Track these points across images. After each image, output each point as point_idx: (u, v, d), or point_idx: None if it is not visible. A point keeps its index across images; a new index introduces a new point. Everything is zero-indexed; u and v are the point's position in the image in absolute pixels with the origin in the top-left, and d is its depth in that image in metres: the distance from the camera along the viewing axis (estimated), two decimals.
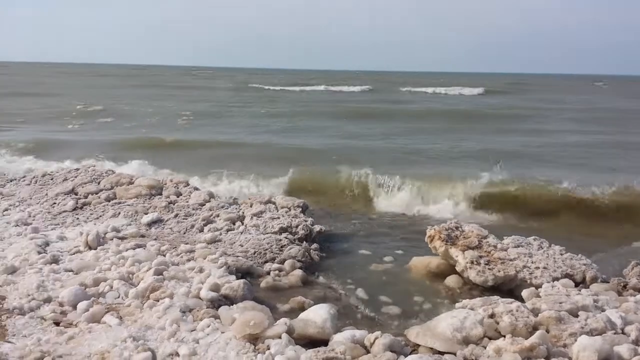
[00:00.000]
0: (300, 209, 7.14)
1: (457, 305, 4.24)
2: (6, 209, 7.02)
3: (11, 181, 8.28)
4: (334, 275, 5.66)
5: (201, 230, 6.51)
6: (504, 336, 3.62)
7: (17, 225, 6.31)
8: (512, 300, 4.14)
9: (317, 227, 6.66)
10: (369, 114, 22.64)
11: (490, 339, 3.70)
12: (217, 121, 19.44)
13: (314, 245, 6.30)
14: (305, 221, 6.68)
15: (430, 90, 42.21)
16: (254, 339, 3.61)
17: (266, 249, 5.90)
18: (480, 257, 5.39)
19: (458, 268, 5.45)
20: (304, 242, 6.26)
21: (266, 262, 5.67)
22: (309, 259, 5.89)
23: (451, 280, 5.48)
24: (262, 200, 7.33)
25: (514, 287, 5.21)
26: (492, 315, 3.91)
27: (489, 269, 5.27)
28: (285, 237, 6.21)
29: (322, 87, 44.25)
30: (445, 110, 24.49)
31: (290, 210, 7.09)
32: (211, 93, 34.49)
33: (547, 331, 3.69)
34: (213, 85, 44.13)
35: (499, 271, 5.23)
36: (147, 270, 4.73)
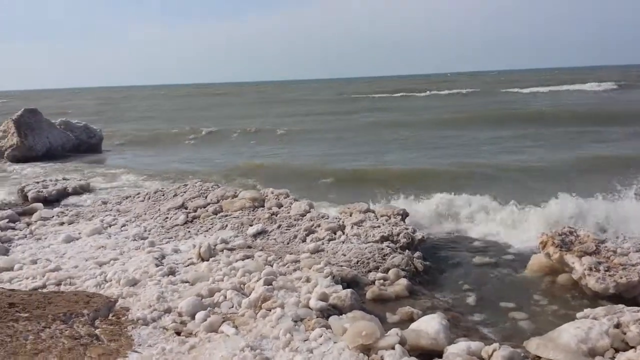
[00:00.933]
0: (400, 217, 7.07)
1: (578, 315, 4.01)
2: (124, 225, 7.53)
3: (127, 198, 8.89)
4: (440, 284, 5.56)
5: (304, 241, 6.64)
6: (634, 347, 3.37)
7: (135, 239, 6.76)
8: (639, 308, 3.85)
9: (418, 235, 6.57)
10: (493, 119, 21.39)
11: (617, 350, 3.46)
12: (361, 139, 18.22)
13: (417, 254, 6.21)
14: (406, 229, 6.61)
15: (545, 89, 39.68)
16: (367, 350, 3.62)
17: (369, 258, 5.90)
18: (599, 263, 5.06)
19: (575, 275, 5.14)
20: (407, 251, 6.20)
21: (370, 271, 5.67)
22: (413, 267, 5.82)
23: (569, 287, 5.19)
24: (361, 210, 7.34)
25: (638, 294, 4.84)
26: (618, 325, 3.66)
27: (609, 275, 4.93)
28: (387, 246, 6.18)
29: (427, 93, 43.09)
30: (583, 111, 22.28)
31: (390, 219, 7.05)
32: (325, 106, 34.62)
33: None
34: (318, 98, 44.85)
35: (621, 277, 4.88)
36: (257, 281, 4.89)
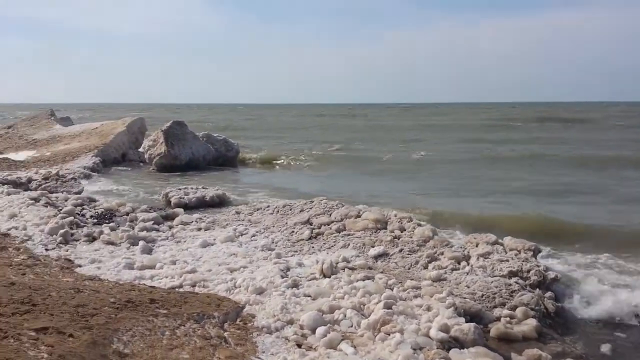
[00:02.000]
0: (532, 253, 6.69)
1: None
2: (254, 235, 7.93)
3: (258, 210, 9.36)
4: (572, 328, 5.17)
5: (425, 267, 6.53)
6: None
7: (263, 250, 7.08)
8: None
9: (551, 274, 6.17)
10: None
11: None
12: None
13: (549, 293, 5.83)
14: (538, 266, 6.24)
15: None
16: None
17: (495, 293, 5.65)
18: None
19: None
20: (537, 289, 5.84)
21: (495, 307, 5.42)
22: (543, 307, 5.47)
23: None
24: (488, 241, 7.06)
25: None
26: None
27: None
28: (516, 282, 5.87)
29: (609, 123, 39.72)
30: None
31: (520, 253, 6.70)
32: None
33: None
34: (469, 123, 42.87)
35: None
36: (377, 303, 4.89)
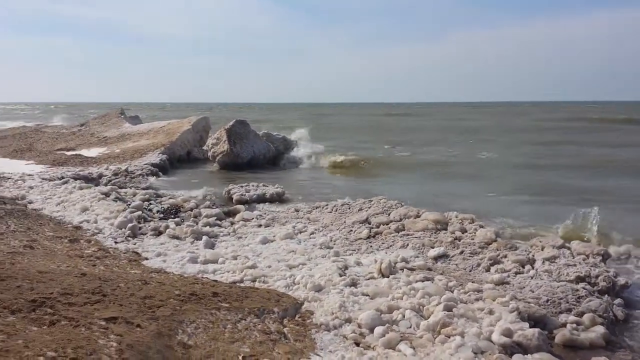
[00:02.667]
0: (601, 258, 6.41)
1: None
2: (312, 233, 8.00)
3: (316, 208, 9.43)
4: None
5: (487, 270, 6.38)
6: None
7: (322, 248, 7.13)
8: None
9: (621, 280, 5.88)
10: None
11: None
12: None
13: (618, 300, 5.56)
14: (607, 271, 5.96)
15: None
16: None
17: (560, 298, 5.44)
18: None
19: None
20: (605, 295, 5.58)
21: (560, 312, 5.22)
22: (612, 315, 5.22)
23: None
24: (555, 244, 6.82)
25: None
26: None
27: None
28: (583, 288, 5.63)
29: None
30: None
31: (588, 258, 6.43)
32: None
33: None
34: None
35: None
36: (437, 305, 4.82)
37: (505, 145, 24.63)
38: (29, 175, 12.81)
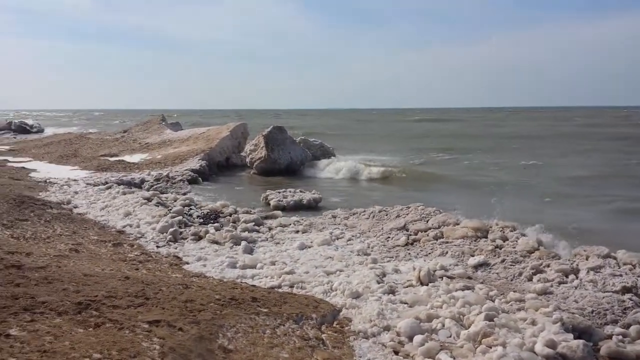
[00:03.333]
0: None
1: None
2: (349, 239, 7.99)
3: (354, 214, 9.42)
4: None
5: (530, 280, 6.23)
6: None
7: (359, 254, 7.11)
8: None
9: None
10: None
11: None
12: None
13: None
14: None
15: None
16: None
17: (606, 309, 5.27)
18: None
19: None
20: None
21: (606, 324, 5.05)
22: None
23: None
24: (600, 254, 6.61)
25: None
26: None
27: None
28: (630, 299, 5.43)
29: None
30: None
31: (634, 268, 6.22)
32: None
33: None
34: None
35: None
36: (478, 314, 4.74)
37: (556, 154, 23.91)
38: (74, 180, 13.23)
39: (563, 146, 27.47)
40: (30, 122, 40.05)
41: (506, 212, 8.57)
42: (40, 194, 10.61)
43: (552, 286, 5.89)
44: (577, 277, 6.10)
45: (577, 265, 6.41)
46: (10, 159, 18.84)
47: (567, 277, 6.13)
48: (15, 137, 31.01)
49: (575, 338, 4.41)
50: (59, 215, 8.41)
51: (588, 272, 6.15)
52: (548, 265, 6.44)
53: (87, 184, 12.60)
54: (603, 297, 5.45)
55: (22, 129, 36.44)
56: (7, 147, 23.92)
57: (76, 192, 11.32)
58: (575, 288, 5.81)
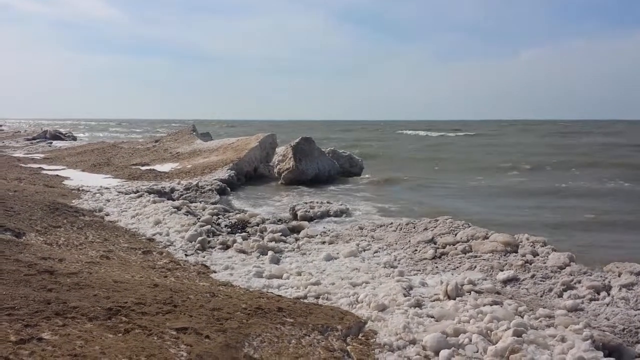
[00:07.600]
0: None
1: None
2: (376, 251, 7.96)
3: (381, 226, 9.39)
4: None
5: (560, 296, 6.11)
6: None
7: (385, 267, 7.08)
8: None
9: None
10: None
11: None
12: None
13: None
14: None
15: None
16: None
17: (638, 327, 5.13)
18: None
19: None
20: None
21: (637, 342, 4.93)
22: None
23: None
24: (633, 271, 6.45)
25: None
26: None
27: None
28: None
29: None
30: None
31: None
32: None
33: None
34: None
35: None
36: (506, 330, 4.67)
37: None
38: (106, 188, 13.52)
39: None
40: (63, 130, 41.89)
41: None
42: (73, 201, 10.87)
43: (582, 303, 5.78)
44: (608, 294, 5.96)
45: (609, 282, 6.27)
46: (44, 166, 19.35)
47: (598, 294, 6.00)
48: (49, 145, 31.88)
49: (605, 356, 4.32)
50: (91, 223, 8.61)
51: (620, 289, 6.00)
52: (579, 282, 6.31)
53: (119, 192, 12.85)
54: (635, 315, 5.33)
55: (56, 137, 38.31)
56: (42, 155, 24.57)
57: (108, 200, 11.56)
58: (607, 305, 5.69)
